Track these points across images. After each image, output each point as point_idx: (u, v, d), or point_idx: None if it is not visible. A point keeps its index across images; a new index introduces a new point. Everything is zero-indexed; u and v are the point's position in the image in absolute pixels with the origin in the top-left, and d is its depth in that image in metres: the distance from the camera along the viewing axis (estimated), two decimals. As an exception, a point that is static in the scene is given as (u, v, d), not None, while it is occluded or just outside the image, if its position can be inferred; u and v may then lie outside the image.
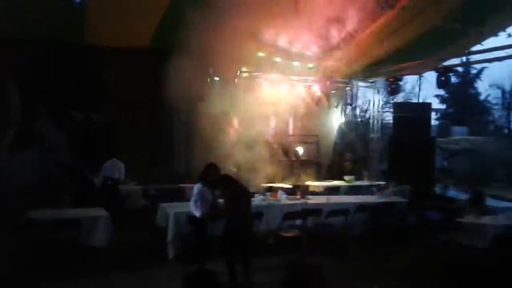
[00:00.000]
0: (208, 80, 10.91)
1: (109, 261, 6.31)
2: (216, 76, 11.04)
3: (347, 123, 14.59)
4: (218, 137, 10.93)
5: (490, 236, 5.98)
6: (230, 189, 5.93)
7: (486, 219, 6.59)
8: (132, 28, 9.48)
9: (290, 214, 7.32)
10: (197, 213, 6.20)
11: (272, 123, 12.50)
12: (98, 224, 6.51)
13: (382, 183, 10.27)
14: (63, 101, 10.03)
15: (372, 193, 9.73)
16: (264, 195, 8.11)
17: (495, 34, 10.13)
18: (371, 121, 14.37)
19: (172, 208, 6.97)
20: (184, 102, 10.92)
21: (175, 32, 8.35)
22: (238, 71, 11.38)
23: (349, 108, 15.12)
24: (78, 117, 10.52)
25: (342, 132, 14.22)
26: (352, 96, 15.11)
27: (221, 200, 6.30)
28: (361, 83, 13.86)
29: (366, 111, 17.24)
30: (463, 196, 8.72)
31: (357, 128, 16.02)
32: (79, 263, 5.98)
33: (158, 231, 7.17)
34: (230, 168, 9.14)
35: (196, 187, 6.34)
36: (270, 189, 9.07)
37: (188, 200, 6.67)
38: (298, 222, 7.36)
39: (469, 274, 5.22)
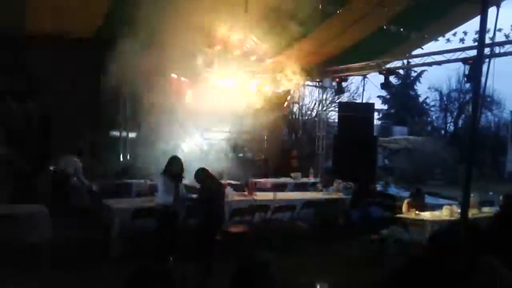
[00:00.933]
0: (156, 73, 10.69)
1: (50, 259, 6.05)
2: (164, 70, 10.84)
3: (294, 121, 14.82)
4: (165, 132, 10.80)
5: (428, 231, 6.30)
6: (208, 183, 5.96)
7: (425, 215, 6.94)
8: (77, 18, 9.12)
9: (238, 211, 7.35)
10: (164, 203, 6.15)
11: (221, 119, 12.47)
12: (37, 221, 6.24)
13: (327, 179, 10.50)
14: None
15: (317, 190, 9.95)
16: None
17: (435, 39, 10.66)
18: (317, 119, 14.68)
19: (117, 204, 6.81)
20: (131, 95, 10.72)
21: (122, 24, 8.15)
22: (187, 66, 11.23)
23: (296, 106, 15.38)
24: (14, 108, 9.96)
25: (289, 130, 14.43)
26: (299, 95, 15.38)
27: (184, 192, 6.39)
28: (308, 82, 14.11)
29: (312, 109, 17.63)
30: (403, 193, 9.12)
31: (304, 126, 16.34)
32: (18, 261, 5.68)
33: (102, 228, 6.96)
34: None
35: (161, 179, 6.28)
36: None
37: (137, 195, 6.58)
38: (246, 218, 7.40)
39: (407, 269, 5.46)
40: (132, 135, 11.26)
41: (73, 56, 9.70)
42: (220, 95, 12.09)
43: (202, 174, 6.13)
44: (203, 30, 9.64)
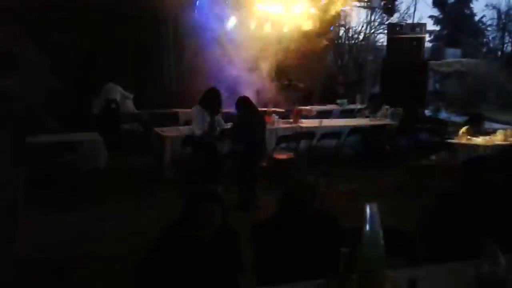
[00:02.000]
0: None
1: (108, 185, 6.42)
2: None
3: (340, 45, 14.33)
4: (209, 61, 10.76)
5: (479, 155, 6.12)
6: (246, 113, 6.00)
7: (477, 140, 6.71)
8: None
9: (284, 138, 7.40)
10: (199, 132, 6.31)
11: (264, 46, 12.22)
12: (94, 148, 6.57)
13: (375, 105, 10.26)
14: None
15: (364, 116, 9.78)
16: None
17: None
18: (364, 43, 14.12)
19: (168, 132, 7.02)
20: (172, 26, 10.63)
21: None
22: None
23: (342, 29, 14.79)
24: (61, 40, 10.12)
25: (335, 55, 14.01)
26: (345, 16, 14.72)
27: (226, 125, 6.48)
28: (355, 3, 13.43)
29: (360, 32, 16.89)
30: (455, 118, 8.82)
31: (351, 51, 15.78)
32: (78, 186, 6.08)
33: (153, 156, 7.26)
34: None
35: (196, 110, 6.39)
36: (264, 112, 9.07)
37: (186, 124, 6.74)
38: (292, 145, 7.45)
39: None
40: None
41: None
42: (263, 19, 11.79)
43: (240, 103, 6.11)
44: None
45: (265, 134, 6.29)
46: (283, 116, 8.80)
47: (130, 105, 9.81)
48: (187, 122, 7.52)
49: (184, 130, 7.04)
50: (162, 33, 10.96)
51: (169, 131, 7.15)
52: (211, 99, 6.40)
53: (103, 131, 7.10)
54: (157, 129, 7.33)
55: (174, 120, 9.04)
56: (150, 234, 3.56)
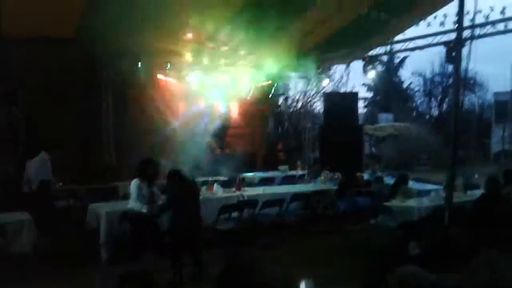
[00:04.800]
0: (137, 72, 10.59)
1: (37, 267, 5.96)
2: (146, 69, 10.75)
3: (280, 113, 14.80)
4: (150, 130, 10.73)
5: (415, 218, 6.32)
6: (177, 185, 5.86)
7: (411, 202, 6.96)
8: (54, 18, 8.93)
9: (227, 207, 7.31)
10: (139, 209, 6.10)
11: (206, 115, 12.41)
12: (23, 229, 6.13)
13: (315, 171, 10.50)
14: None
15: (305, 182, 9.96)
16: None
17: (416, 24, 10.67)
18: (302, 110, 14.68)
19: (103, 208, 6.73)
20: (113, 94, 10.61)
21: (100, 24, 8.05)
22: (169, 64, 11.16)
23: (281, 98, 15.35)
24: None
25: (275, 123, 14.40)
26: (284, 86, 15.34)
27: (163, 196, 6.27)
28: (292, 74, 14.07)
29: (297, 101, 17.61)
30: (390, 180, 9.15)
31: (290, 118, 16.32)
32: (5, 271, 5.59)
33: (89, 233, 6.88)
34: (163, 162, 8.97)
35: (134, 184, 6.21)
36: (206, 182, 9.00)
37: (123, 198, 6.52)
38: (235, 214, 7.36)
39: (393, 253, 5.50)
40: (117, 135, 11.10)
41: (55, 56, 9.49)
42: (205, 90, 12.07)
43: (171, 176, 6.05)
44: (181, 26, 9.55)
45: (198, 206, 6.12)
46: (226, 185, 8.76)
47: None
48: (126, 196, 7.27)
49: (122, 204, 6.79)
50: (101, 104, 10.82)
51: (105, 207, 6.86)
52: (147, 170, 6.28)
53: (34, 210, 6.68)
54: (93, 205, 7.03)
55: (113, 194, 8.74)
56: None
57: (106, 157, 10.97)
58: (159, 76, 11.35)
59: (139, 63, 10.35)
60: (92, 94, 10.38)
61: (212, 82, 12.20)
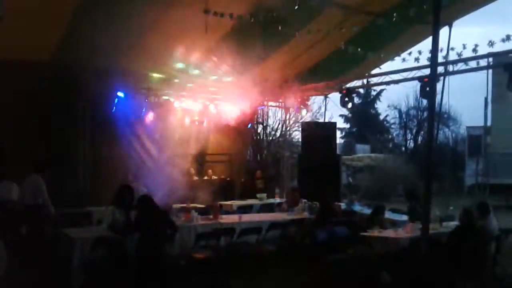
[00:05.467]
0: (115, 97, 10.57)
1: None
2: (123, 94, 10.73)
3: (259, 141, 14.87)
4: (126, 157, 10.63)
5: (392, 249, 6.36)
6: (145, 211, 5.78)
7: (388, 232, 7.01)
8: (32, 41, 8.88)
9: (203, 235, 7.23)
10: (113, 236, 6.01)
11: (183, 142, 12.37)
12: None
13: (293, 200, 10.50)
14: None
15: (283, 211, 9.95)
16: (176, 216, 7.92)
17: (392, 59, 10.98)
18: (281, 139, 14.78)
19: (77, 234, 6.56)
20: (89, 119, 10.51)
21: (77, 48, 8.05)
22: (147, 90, 11.17)
23: (260, 127, 15.46)
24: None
25: (254, 151, 14.45)
26: (263, 115, 15.49)
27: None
28: (271, 103, 14.24)
29: (276, 130, 17.75)
30: (367, 210, 9.22)
31: (269, 147, 16.40)
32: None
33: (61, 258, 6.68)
34: (141, 189, 8.86)
35: (110, 210, 6.14)
36: (182, 209, 8.90)
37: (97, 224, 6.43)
38: (211, 242, 7.28)
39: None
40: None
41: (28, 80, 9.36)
42: (182, 116, 12.08)
43: (139, 202, 5.98)
44: (162, 51, 9.61)
45: (158, 234, 6.03)
46: (203, 212, 8.69)
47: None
48: (101, 221, 7.13)
49: (96, 230, 6.65)
50: (77, 129, 10.67)
51: (79, 232, 6.70)
52: (122, 197, 6.24)
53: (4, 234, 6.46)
54: (66, 230, 6.85)
55: (87, 219, 8.54)
56: None
57: (80, 182, 10.77)
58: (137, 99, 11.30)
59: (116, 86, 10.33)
60: (68, 117, 10.25)
61: (192, 107, 12.23)
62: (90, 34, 7.88)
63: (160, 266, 5.72)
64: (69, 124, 10.34)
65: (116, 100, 10.67)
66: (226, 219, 8.34)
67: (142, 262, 5.61)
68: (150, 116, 11.43)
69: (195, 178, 12.22)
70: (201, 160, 12.93)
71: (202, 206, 9.56)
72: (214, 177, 12.88)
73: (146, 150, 11.49)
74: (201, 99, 12.33)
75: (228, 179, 13.26)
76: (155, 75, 10.83)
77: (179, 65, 10.56)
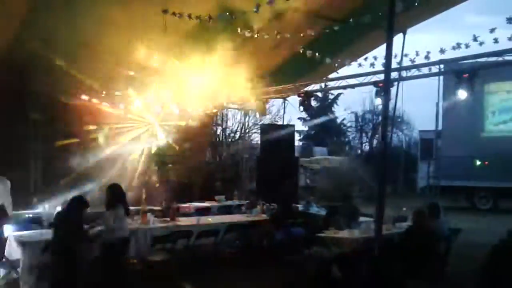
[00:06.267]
0: (71, 97, 10.25)
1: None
2: (81, 94, 10.44)
3: (218, 143, 14.82)
4: (81, 157, 10.35)
5: (347, 249, 6.49)
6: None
7: (343, 233, 7.15)
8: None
9: (160, 238, 7.13)
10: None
11: (141, 143, 12.16)
12: None
13: (252, 201, 10.53)
14: None
15: (241, 212, 9.96)
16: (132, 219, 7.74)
17: (348, 64, 11.23)
18: (240, 141, 14.80)
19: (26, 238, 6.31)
20: (43, 120, 10.17)
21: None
22: (104, 91, 10.91)
23: (219, 129, 15.42)
24: None
25: (213, 153, 14.39)
26: (222, 117, 15.45)
27: None
28: (231, 105, 14.22)
29: (236, 132, 17.76)
30: (324, 211, 9.37)
31: (228, 149, 16.37)
32: None
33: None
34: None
35: (113, 212, 6.07)
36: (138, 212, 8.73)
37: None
38: (168, 245, 7.18)
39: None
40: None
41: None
42: (141, 117, 11.87)
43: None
44: (121, 53, 9.42)
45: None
46: (160, 214, 8.55)
47: None
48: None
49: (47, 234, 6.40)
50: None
51: (28, 236, 6.44)
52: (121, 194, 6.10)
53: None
54: (15, 233, 6.57)
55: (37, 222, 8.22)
56: None
57: (31, 183, 10.37)
58: (93, 100, 11.01)
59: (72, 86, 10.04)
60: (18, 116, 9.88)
61: (150, 109, 12.02)
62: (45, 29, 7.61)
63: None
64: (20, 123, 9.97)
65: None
66: (184, 221, 8.25)
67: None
68: (107, 117, 11.17)
69: (153, 178, 12.03)
70: (159, 161, 12.74)
71: (159, 208, 9.41)
72: (172, 179, 12.71)
73: (100, 150, 11.21)
74: (160, 100, 12.13)
75: (186, 181, 13.13)
76: (114, 74, 10.57)
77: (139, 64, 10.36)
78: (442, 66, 9.84)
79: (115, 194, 6.20)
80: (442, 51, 8.73)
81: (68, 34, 7.87)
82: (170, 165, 12.85)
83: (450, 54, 8.76)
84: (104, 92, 10.95)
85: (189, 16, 8.14)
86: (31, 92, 9.79)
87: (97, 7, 7.70)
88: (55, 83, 9.64)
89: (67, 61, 8.96)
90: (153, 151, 12.42)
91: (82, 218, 5.97)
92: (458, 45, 8.42)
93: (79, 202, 6.01)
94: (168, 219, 8.13)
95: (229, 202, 11.55)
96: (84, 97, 10.58)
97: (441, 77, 10.65)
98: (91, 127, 10.89)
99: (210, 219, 8.87)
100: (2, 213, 7.33)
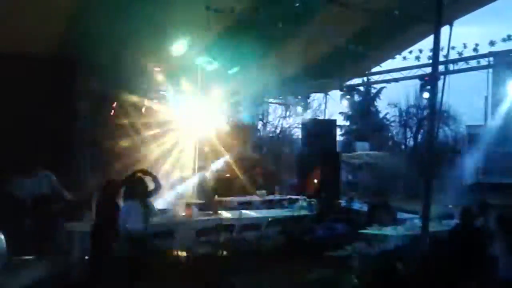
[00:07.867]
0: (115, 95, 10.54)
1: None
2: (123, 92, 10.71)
3: (259, 138, 14.87)
4: (125, 152, 10.61)
5: (391, 246, 6.40)
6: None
7: (387, 230, 7.04)
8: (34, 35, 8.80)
9: (203, 231, 7.27)
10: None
11: (186, 137, 12.36)
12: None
13: (293, 197, 10.56)
14: None
15: (283, 207, 9.99)
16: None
17: (392, 57, 11.02)
18: (281, 136, 14.81)
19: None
20: (89, 116, 10.47)
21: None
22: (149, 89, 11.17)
23: (260, 124, 15.47)
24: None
25: (254, 147, 14.45)
26: (263, 112, 15.49)
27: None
28: (272, 100, 14.24)
29: (277, 127, 17.78)
30: (366, 207, 9.26)
31: (269, 144, 16.41)
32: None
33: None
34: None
35: (127, 204, 6.09)
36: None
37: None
38: (211, 238, 7.32)
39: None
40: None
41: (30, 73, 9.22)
42: (184, 113, 12.07)
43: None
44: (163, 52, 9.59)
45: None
46: (203, 207, 8.70)
47: None
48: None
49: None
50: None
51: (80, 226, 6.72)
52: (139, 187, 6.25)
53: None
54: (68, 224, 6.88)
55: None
56: None
57: (81, 177, 10.74)
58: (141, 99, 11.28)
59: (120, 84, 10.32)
60: (69, 112, 10.21)
61: (193, 106, 12.19)
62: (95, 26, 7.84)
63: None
64: (70, 118, 10.30)
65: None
66: (226, 215, 8.37)
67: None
68: (152, 116, 11.46)
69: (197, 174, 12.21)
70: (202, 156, 12.92)
71: (202, 202, 9.58)
72: (215, 173, 12.87)
73: (145, 145, 11.47)
74: (203, 97, 12.28)
75: (228, 175, 13.27)
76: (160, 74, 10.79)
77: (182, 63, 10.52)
78: (491, 58, 9.49)
79: (128, 188, 6.27)
80: (492, 43, 8.45)
81: (116, 32, 8.04)
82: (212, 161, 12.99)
83: (500, 47, 8.46)
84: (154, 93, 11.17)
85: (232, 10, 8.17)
86: (81, 90, 10.08)
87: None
88: (105, 81, 9.91)
89: (115, 59, 9.17)
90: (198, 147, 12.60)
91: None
92: (509, 37, 8.12)
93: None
94: (211, 212, 8.27)
95: (270, 197, 11.60)
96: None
97: (491, 70, 10.26)
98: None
99: (252, 213, 8.96)
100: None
